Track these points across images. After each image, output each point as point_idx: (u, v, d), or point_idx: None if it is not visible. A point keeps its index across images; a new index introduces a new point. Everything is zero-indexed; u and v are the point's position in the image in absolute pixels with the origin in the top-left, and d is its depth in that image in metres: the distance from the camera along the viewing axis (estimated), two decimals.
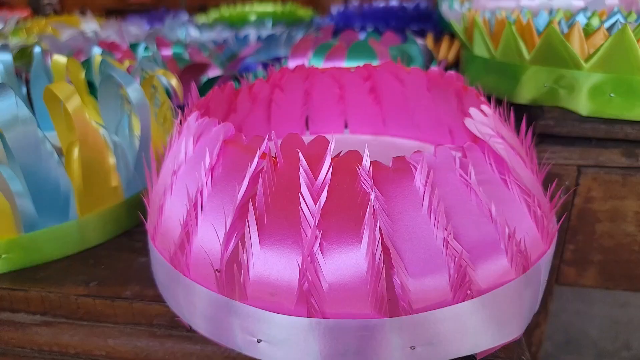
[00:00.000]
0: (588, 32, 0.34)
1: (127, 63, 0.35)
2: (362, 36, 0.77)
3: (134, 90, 0.29)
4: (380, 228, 0.18)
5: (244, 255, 0.19)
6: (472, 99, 0.28)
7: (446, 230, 0.19)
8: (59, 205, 0.26)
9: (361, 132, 0.39)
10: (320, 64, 0.45)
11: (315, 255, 0.18)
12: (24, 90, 0.43)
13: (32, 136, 0.24)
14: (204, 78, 0.54)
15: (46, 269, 0.27)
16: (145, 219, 0.25)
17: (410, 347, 0.18)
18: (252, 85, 0.31)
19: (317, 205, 0.18)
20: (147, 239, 0.29)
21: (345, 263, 0.18)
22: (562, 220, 0.25)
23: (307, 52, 0.46)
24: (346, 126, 0.39)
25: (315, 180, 0.19)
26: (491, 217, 0.19)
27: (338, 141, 0.38)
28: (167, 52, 0.67)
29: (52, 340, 0.24)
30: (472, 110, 0.23)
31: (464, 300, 0.18)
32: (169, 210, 0.22)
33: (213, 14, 1.19)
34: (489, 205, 0.20)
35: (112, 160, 0.28)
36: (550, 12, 0.53)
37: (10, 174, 0.25)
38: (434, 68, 0.31)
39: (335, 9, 1.10)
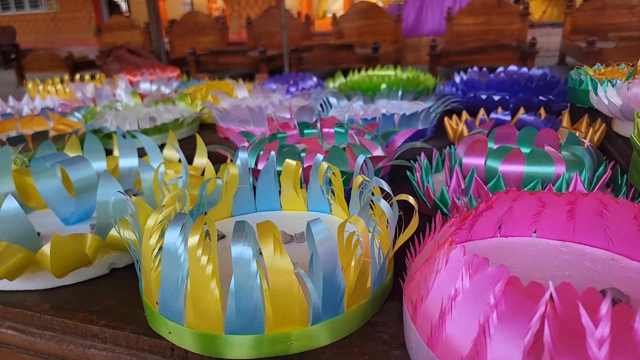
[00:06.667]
0: None
1: (359, 179, 0.43)
2: (501, 116, 0.81)
3: (385, 206, 0.36)
4: None
5: None
6: None
7: None
8: (336, 303, 0.34)
9: (548, 237, 0.43)
10: (498, 165, 0.50)
11: None
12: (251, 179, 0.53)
13: (334, 249, 0.32)
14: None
15: (322, 354, 0.34)
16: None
17: None
18: (476, 207, 0.38)
19: (602, 350, 0.24)
20: (389, 331, 0.36)
21: None
22: None
23: (483, 153, 0.52)
24: (534, 231, 0.44)
25: (595, 327, 0.24)
26: None
27: (527, 245, 0.43)
28: (328, 129, 0.77)
29: None
30: None
31: None
32: (453, 329, 0.28)
33: (338, 78, 1.30)
34: None
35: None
36: None
37: (307, 279, 0.33)
38: None
39: (457, 76, 1.15)
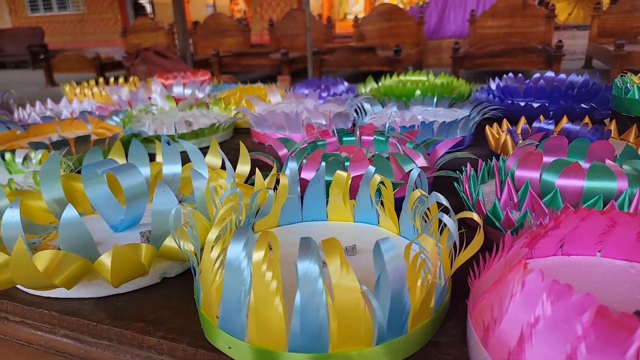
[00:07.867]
0: None
1: (417, 193, 0.42)
2: (544, 125, 0.79)
3: (451, 224, 0.35)
4: None
5: None
6: None
7: None
8: (400, 323, 0.33)
9: (614, 257, 0.42)
10: (555, 179, 0.49)
11: None
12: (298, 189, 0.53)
13: (402, 268, 0.31)
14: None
15: None
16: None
17: None
18: (544, 226, 0.36)
19: None
20: (452, 352, 0.35)
21: None
22: None
23: (538, 166, 0.51)
24: (599, 250, 0.42)
25: None
26: None
27: (592, 265, 0.42)
28: (368, 137, 0.76)
29: None
30: None
31: None
32: (533, 358, 0.27)
33: (369, 83, 1.29)
34: None
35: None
36: None
37: (373, 297, 0.32)
38: None
39: (493, 83, 1.13)
